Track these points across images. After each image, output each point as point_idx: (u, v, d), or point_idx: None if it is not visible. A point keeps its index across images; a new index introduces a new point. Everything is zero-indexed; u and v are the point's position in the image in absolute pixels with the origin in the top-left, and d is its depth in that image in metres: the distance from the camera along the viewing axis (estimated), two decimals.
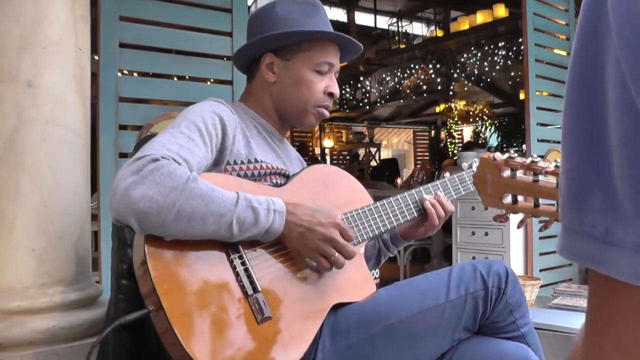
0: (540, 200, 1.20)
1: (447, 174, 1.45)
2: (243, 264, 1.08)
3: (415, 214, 1.34)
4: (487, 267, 1.19)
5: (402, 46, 8.12)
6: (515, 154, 1.25)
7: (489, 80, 7.91)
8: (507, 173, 1.24)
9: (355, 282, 1.22)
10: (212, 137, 1.15)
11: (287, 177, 1.26)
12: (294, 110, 1.31)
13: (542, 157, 1.24)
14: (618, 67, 0.32)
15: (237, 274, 1.07)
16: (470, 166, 1.44)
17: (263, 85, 1.31)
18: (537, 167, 1.17)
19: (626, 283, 0.33)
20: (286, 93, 1.29)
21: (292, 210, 1.10)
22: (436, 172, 7.26)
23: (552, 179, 1.16)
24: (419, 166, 8.74)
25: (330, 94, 1.30)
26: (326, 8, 1.30)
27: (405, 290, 1.20)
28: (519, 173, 1.22)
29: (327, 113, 1.34)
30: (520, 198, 1.26)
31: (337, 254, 1.12)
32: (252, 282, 1.07)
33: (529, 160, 1.19)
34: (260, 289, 1.07)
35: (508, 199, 1.27)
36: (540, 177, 1.17)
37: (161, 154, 1.02)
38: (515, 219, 1.35)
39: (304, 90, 1.28)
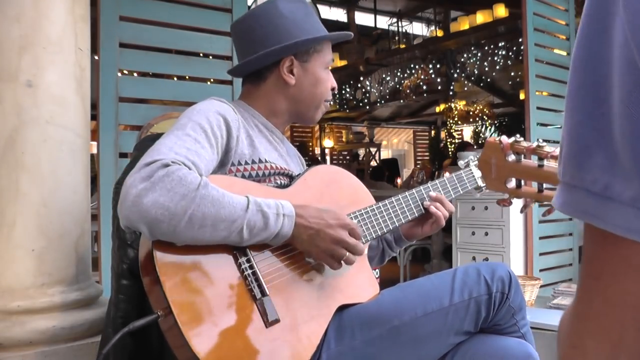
0: (544, 185, 1.20)
1: (447, 174, 1.45)
2: (251, 267, 1.08)
3: (417, 214, 1.34)
4: (491, 271, 1.19)
5: (402, 46, 8.11)
6: (521, 139, 1.24)
7: (489, 80, 7.90)
8: (512, 157, 1.24)
9: (359, 283, 1.23)
10: (217, 139, 1.15)
11: (290, 177, 1.26)
12: (309, 109, 1.34)
13: None
14: (624, 31, 0.33)
15: (245, 278, 1.07)
16: (467, 165, 1.44)
17: (278, 87, 1.31)
18: (542, 152, 1.17)
19: (618, 237, 0.34)
20: (304, 94, 1.32)
21: (301, 213, 1.10)
22: (436, 172, 7.26)
23: (556, 165, 1.16)
24: (419, 166, 8.74)
25: (333, 88, 1.37)
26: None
27: (409, 293, 1.21)
28: (524, 157, 1.22)
29: (329, 106, 1.40)
30: (524, 182, 1.25)
31: (347, 253, 1.13)
32: (259, 286, 1.07)
33: (534, 144, 1.19)
34: (268, 293, 1.07)
35: (512, 184, 1.26)
36: (545, 162, 1.17)
37: (171, 158, 1.02)
38: (516, 216, 1.34)
39: (321, 89, 1.33)
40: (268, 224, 1.05)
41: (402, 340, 1.15)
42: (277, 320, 1.06)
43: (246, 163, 1.20)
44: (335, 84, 1.37)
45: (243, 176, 1.19)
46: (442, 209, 1.35)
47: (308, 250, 1.12)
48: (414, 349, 1.17)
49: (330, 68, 1.37)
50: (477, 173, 1.41)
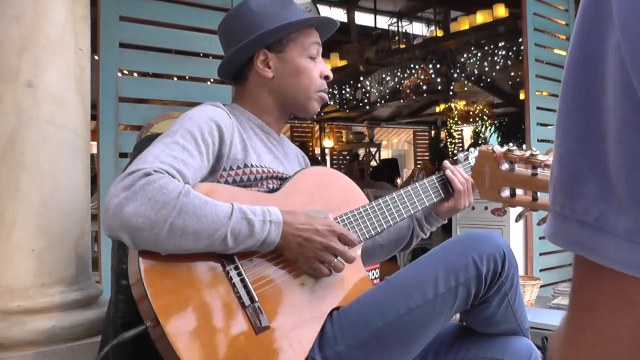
0: (538, 193, 1.20)
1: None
2: (239, 274, 1.07)
3: (412, 211, 1.32)
4: (479, 250, 1.13)
5: (402, 46, 8.10)
6: (515, 147, 1.24)
7: (489, 80, 7.90)
8: (505, 166, 1.23)
9: (353, 285, 1.21)
10: (208, 146, 1.13)
11: (284, 180, 1.24)
12: (297, 101, 1.30)
13: None
14: (619, 53, 0.31)
15: (233, 285, 1.06)
16: (467, 157, 1.43)
17: (259, 83, 1.29)
18: (536, 160, 1.16)
19: (612, 270, 0.32)
20: (286, 85, 1.29)
21: (289, 219, 1.08)
22: (436, 172, 7.25)
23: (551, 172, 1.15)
24: (419, 166, 8.74)
25: (326, 77, 1.32)
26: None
27: (390, 290, 1.16)
28: (518, 166, 1.21)
29: (326, 97, 1.35)
30: (518, 191, 1.25)
31: (335, 260, 1.11)
32: (248, 293, 1.06)
33: (528, 153, 1.18)
34: (257, 299, 1.06)
35: (506, 192, 1.26)
36: (539, 171, 1.16)
37: (154, 167, 1.01)
38: (514, 215, 1.34)
39: (304, 79, 1.29)
40: (254, 231, 1.04)
41: (388, 340, 1.12)
42: (267, 327, 1.05)
43: (237, 168, 1.18)
44: (328, 72, 1.32)
45: (234, 181, 1.18)
46: (460, 177, 1.37)
47: (297, 258, 1.11)
48: (403, 345, 1.13)
49: (316, 57, 1.32)
50: None
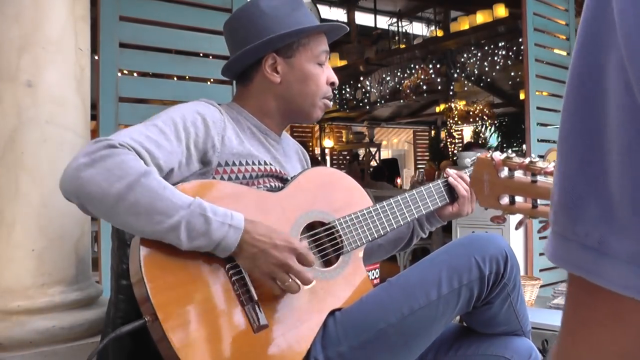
0: (538, 201, 1.19)
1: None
2: (239, 272, 1.07)
3: (416, 215, 1.31)
4: (482, 252, 1.13)
5: (402, 46, 8.10)
6: (513, 154, 1.23)
7: (489, 80, 7.90)
8: (504, 173, 1.22)
9: (353, 286, 1.20)
10: (189, 135, 1.11)
11: (283, 180, 1.23)
12: (302, 107, 1.28)
13: (541, 157, 1.22)
14: (622, 73, 0.30)
15: (233, 283, 1.06)
16: (473, 164, 1.43)
17: (265, 86, 1.27)
18: (535, 168, 1.15)
19: (611, 291, 0.32)
20: (293, 91, 1.26)
21: (249, 228, 1.03)
22: (436, 173, 7.26)
23: (550, 180, 1.15)
24: (424, 167, 8.75)
25: (332, 84, 1.30)
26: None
27: (393, 291, 1.15)
28: (517, 173, 1.21)
29: (330, 103, 1.33)
30: (518, 199, 1.24)
31: (290, 280, 1.05)
32: (248, 291, 1.06)
33: (527, 160, 1.17)
34: (256, 298, 1.06)
35: (505, 200, 1.25)
36: (539, 178, 1.15)
37: (120, 141, 1.01)
38: (515, 219, 1.33)
39: (311, 85, 1.26)
40: (209, 230, 1.00)
41: (392, 342, 1.12)
42: (265, 326, 1.05)
43: (233, 164, 1.17)
44: (334, 79, 1.30)
45: (230, 178, 1.16)
46: (463, 184, 1.36)
47: (250, 269, 1.06)
48: (405, 346, 1.13)
49: (326, 63, 1.30)
50: None
